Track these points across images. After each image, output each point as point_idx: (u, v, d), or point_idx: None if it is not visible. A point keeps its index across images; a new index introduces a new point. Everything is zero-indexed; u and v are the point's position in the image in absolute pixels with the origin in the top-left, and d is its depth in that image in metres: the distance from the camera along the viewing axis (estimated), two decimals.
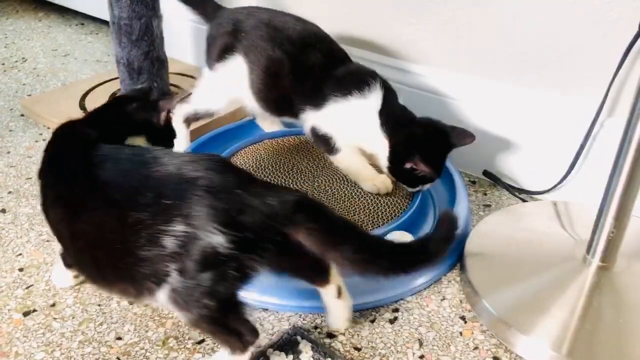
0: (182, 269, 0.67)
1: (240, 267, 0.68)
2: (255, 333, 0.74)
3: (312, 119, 1.08)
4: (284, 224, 0.69)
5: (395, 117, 1.04)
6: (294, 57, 1.06)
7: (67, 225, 0.75)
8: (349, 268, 0.73)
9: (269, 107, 1.13)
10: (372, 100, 1.04)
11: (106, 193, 0.71)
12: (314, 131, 1.09)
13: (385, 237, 0.95)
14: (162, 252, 0.67)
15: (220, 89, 1.16)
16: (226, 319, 0.72)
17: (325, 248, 0.71)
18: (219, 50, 1.12)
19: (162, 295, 0.70)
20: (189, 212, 0.66)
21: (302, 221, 0.69)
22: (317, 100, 1.06)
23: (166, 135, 0.94)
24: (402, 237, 0.97)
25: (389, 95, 1.06)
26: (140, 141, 0.90)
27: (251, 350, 0.75)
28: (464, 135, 1.04)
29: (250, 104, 1.15)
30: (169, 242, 0.66)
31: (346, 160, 1.10)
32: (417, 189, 1.06)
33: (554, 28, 1.07)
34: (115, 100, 0.92)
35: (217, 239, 0.65)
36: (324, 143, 1.09)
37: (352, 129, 1.06)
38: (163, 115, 0.92)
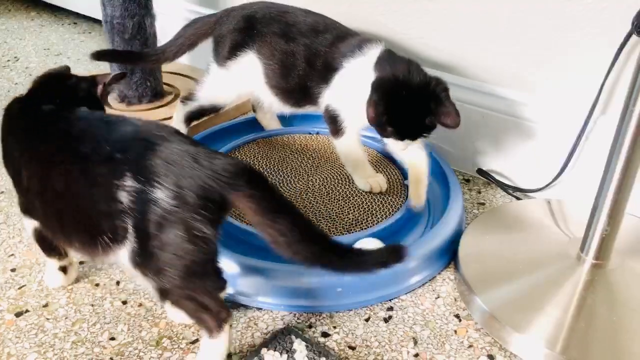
0: (136, 226, 0.69)
1: (189, 229, 0.69)
2: (227, 311, 0.75)
3: (326, 98, 1.07)
4: (224, 187, 0.70)
5: (388, 65, 1.00)
6: (307, 46, 1.07)
7: (38, 181, 0.79)
8: (281, 244, 0.73)
9: (289, 99, 1.13)
10: (368, 57, 1.02)
11: (73, 148, 0.75)
12: (326, 110, 1.08)
13: (354, 245, 0.94)
14: (118, 207, 0.69)
15: (229, 85, 1.16)
16: (191, 291, 0.73)
17: (263, 217, 0.72)
18: (229, 47, 1.12)
19: (123, 256, 0.72)
20: (137, 167, 0.69)
21: (243, 187, 0.71)
22: (328, 76, 1.05)
23: (102, 107, 0.96)
24: (369, 245, 0.94)
25: (389, 53, 1.03)
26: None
27: (227, 330, 0.75)
28: (447, 114, 0.95)
29: (267, 99, 1.15)
30: (123, 197, 0.69)
31: (348, 146, 1.09)
32: (403, 143, 1.00)
33: (547, 26, 1.07)
34: (50, 78, 0.94)
35: (160, 194, 0.68)
36: (332, 122, 1.07)
37: (354, 93, 1.02)
38: (100, 88, 0.95)
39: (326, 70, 1.05)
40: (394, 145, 1.02)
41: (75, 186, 0.73)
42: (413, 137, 0.98)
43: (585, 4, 1.01)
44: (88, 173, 0.72)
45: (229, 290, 0.91)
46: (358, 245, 0.94)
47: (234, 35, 1.12)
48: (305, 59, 1.07)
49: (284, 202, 0.74)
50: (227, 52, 1.13)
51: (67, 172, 0.74)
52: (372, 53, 1.02)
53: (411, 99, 0.96)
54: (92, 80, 0.95)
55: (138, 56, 1.31)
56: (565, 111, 1.09)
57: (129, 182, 0.69)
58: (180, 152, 0.70)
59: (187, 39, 1.19)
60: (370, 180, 1.08)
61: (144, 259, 0.71)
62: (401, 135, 0.98)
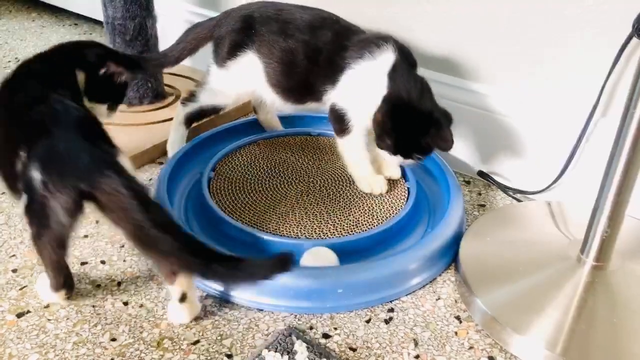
0: (24, 189, 0.79)
1: (48, 209, 0.77)
2: (69, 286, 0.89)
3: (332, 97, 1.07)
4: (90, 181, 0.75)
5: (403, 81, 1.01)
6: (306, 43, 1.07)
7: None
8: (136, 240, 0.77)
9: (290, 97, 1.13)
10: (381, 62, 1.02)
11: (7, 111, 0.87)
12: (332, 109, 1.08)
13: (306, 254, 0.94)
14: (16, 169, 0.80)
15: (230, 85, 1.17)
16: (44, 252, 0.83)
17: (123, 213, 0.76)
18: (228, 47, 1.12)
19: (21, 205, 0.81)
20: (30, 144, 0.79)
21: (106, 182, 0.75)
22: (334, 75, 1.05)
23: (101, 86, 1.02)
24: (319, 256, 0.94)
25: (403, 60, 1.03)
26: (81, 76, 0.98)
27: (63, 295, 0.89)
28: (441, 139, 1.00)
29: (269, 97, 1.15)
30: (18, 163, 0.79)
31: (352, 146, 1.09)
32: (407, 161, 1.05)
33: (547, 28, 1.07)
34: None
35: (35, 174, 0.77)
36: (338, 120, 1.07)
37: (364, 96, 1.04)
38: (103, 69, 1.01)
39: (331, 69, 1.06)
40: (384, 154, 1.05)
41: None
42: (405, 156, 1.03)
43: (585, 6, 1.02)
44: (8, 132, 0.85)
45: (232, 291, 0.91)
46: (307, 254, 0.94)
47: (232, 36, 1.12)
48: (305, 55, 1.07)
49: (148, 200, 0.77)
50: (226, 53, 1.13)
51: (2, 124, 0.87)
52: (384, 58, 1.02)
53: (416, 123, 1.00)
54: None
55: (141, 61, 1.30)
56: (566, 113, 1.10)
57: (22, 153, 0.79)
58: (67, 142, 0.79)
59: (189, 44, 1.19)
60: (371, 180, 1.08)
61: (27, 213, 0.80)
62: (395, 151, 1.02)
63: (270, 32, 1.09)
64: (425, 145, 1.02)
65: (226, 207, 1.06)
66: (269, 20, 1.10)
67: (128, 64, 1.05)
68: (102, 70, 1.01)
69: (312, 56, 1.07)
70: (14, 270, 0.97)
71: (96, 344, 0.84)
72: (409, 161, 1.04)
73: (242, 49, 1.11)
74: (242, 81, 1.15)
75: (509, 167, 1.20)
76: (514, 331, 0.84)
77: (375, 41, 1.03)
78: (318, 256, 0.94)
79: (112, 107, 1.05)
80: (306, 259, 0.93)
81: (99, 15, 1.92)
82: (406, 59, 1.04)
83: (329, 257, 0.93)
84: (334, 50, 1.06)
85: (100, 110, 1.03)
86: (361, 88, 1.04)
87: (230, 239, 0.99)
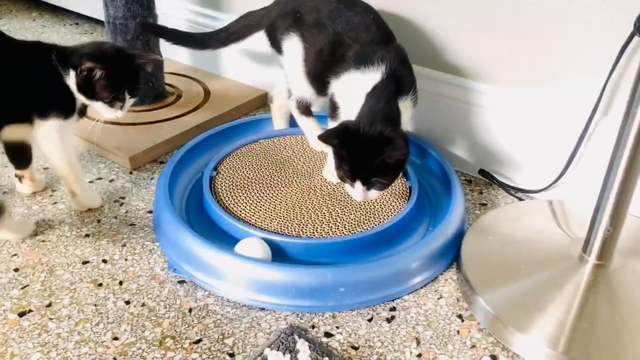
0: None
1: None
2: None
3: (332, 87, 1.07)
4: None
5: (369, 109, 0.98)
6: (338, 36, 1.06)
7: None
8: None
9: (315, 86, 1.12)
10: (367, 80, 1.00)
11: None
12: (331, 98, 1.08)
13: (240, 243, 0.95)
14: None
15: (290, 69, 1.15)
16: None
17: None
18: (279, 31, 1.13)
19: None
20: None
21: None
22: (340, 70, 1.04)
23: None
24: (252, 245, 0.95)
25: (387, 85, 0.99)
26: None
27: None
28: (395, 149, 0.94)
29: (303, 85, 1.14)
30: None
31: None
32: (371, 192, 0.98)
33: (549, 27, 1.07)
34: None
35: None
36: (332, 109, 1.08)
37: (350, 103, 1.02)
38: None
39: (340, 64, 1.05)
40: (348, 189, 0.99)
41: None
42: (365, 182, 0.96)
43: (587, 5, 1.01)
44: None
45: (235, 290, 0.91)
46: (242, 244, 0.95)
47: (281, 19, 1.13)
48: (331, 47, 1.06)
49: None
50: (278, 36, 1.14)
51: None
52: (370, 77, 0.99)
53: (368, 147, 0.94)
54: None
55: (183, 37, 1.31)
56: (567, 112, 1.09)
57: None
58: None
59: (238, 29, 1.20)
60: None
61: None
62: (353, 178, 0.96)
63: (311, 19, 1.09)
64: (383, 164, 0.95)
65: (227, 206, 1.06)
66: (314, 8, 1.10)
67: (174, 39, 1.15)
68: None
69: (335, 50, 1.06)
70: (16, 270, 0.97)
71: (98, 342, 0.84)
72: (373, 192, 0.97)
73: (289, 32, 1.11)
74: (292, 63, 1.14)
75: (511, 166, 1.20)
76: (516, 330, 0.84)
77: (375, 55, 1.01)
78: (251, 246, 0.95)
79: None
80: (240, 248, 0.95)
81: (100, 15, 1.92)
82: (394, 82, 0.99)
83: (259, 250, 0.94)
84: (348, 49, 1.05)
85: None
86: (348, 95, 1.03)
87: (232, 238, 0.99)
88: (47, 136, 1.02)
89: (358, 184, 0.96)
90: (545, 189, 1.15)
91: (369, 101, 0.98)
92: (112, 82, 1.01)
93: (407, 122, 1.02)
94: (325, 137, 0.97)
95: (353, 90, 1.01)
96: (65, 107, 1.02)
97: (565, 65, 1.08)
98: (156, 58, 1.09)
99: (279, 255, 0.97)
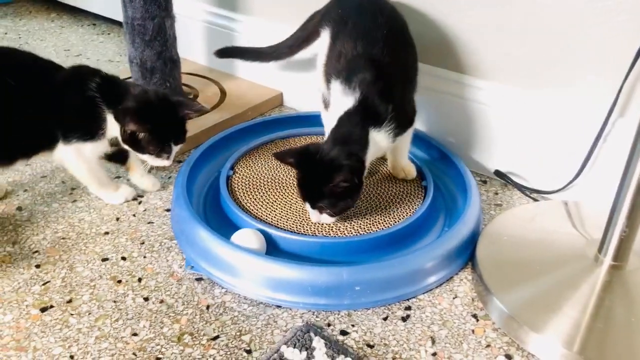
0: None
1: None
2: None
3: (331, 87, 1.06)
4: None
5: (340, 134, 0.98)
6: (350, 41, 1.05)
7: None
8: None
9: (326, 82, 1.11)
10: (343, 102, 0.99)
11: None
12: (323, 95, 1.12)
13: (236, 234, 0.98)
14: None
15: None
16: None
17: None
18: (320, 24, 1.15)
19: None
20: None
21: None
22: (335, 75, 1.03)
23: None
24: (248, 236, 0.97)
25: (357, 113, 0.98)
26: None
27: None
28: (340, 177, 0.94)
29: (319, 80, 1.14)
30: None
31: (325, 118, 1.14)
32: (323, 217, 1.01)
33: (565, 28, 1.07)
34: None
35: None
36: (325, 103, 1.12)
37: (333, 112, 1.02)
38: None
39: (337, 70, 1.04)
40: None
41: None
42: (312, 204, 0.99)
43: (604, 6, 1.01)
44: None
45: (251, 288, 0.93)
46: (238, 234, 0.98)
47: (325, 14, 1.16)
48: (339, 52, 1.07)
49: None
50: (319, 29, 1.15)
51: None
52: (345, 101, 0.99)
53: (317, 174, 0.96)
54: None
55: (257, 54, 1.34)
56: (584, 113, 1.09)
57: None
58: None
59: (303, 32, 1.21)
60: None
61: None
62: (303, 199, 1.00)
63: (341, 18, 1.09)
64: (331, 191, 0.96)
65: (244, 204, 1.07)
66: (348, 9, 1.11)
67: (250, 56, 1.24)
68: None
69: (341, 53, 1.06)
70: (37, 266, 0.98)
71: (118, 338, 0.86)
72: (325, 217, 1.00)
73: (324, 26, 1.12)
74: (319, 54, 1.15)
75: (526, 166, 1.20)
76: (531, 329, 0.84)
77: (355, 77, 0.99)
78: (245, 237, 0.97)
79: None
80: (236, 237, 0.97)
81: (117, 16, 1.95)
82: (366, 111, 0.98)
83: (253, 240, 0.96)
84: (356, 58, 1.04)
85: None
86: (334, 102, 1.03)
87: None
88: (72, 160, 1.06)
89: (308, 207, 0.99)
90: (560, 189, 1.15)
91: (338, 127, 0.98)
92: (158, 138, 1.04)
93: (376, 154, 1.01)
94: (280, 156, 0.98)
95: (336, 102, 1.01)
96: (91, 131, 1.04)
97: (582, 66, 1.08)
98: (202, 107, 1.10)
99: (294, 254, 0.98)
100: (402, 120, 1.02)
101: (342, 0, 1.15)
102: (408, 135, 1.08)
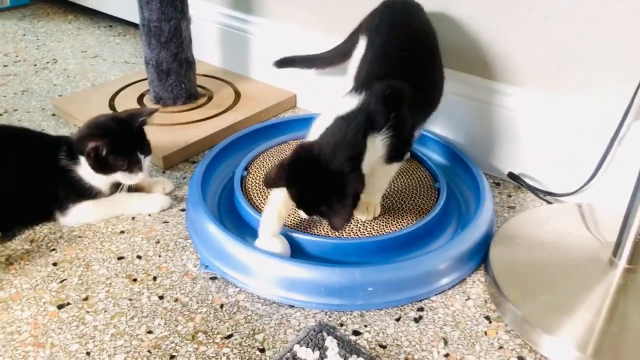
0: None
1: None
2: None
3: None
4: None
5: (328, 135, 0.92)
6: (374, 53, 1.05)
7: None
8: None
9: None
10: (345, 103, 0.95)
11: None
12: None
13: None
14: None
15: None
16: None
17: None
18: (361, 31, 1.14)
19: None
20: None
21: None
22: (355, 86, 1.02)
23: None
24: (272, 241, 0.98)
25: (341, 120, 0.93)
26: None
27: None
28: (334, 213, 0.89)
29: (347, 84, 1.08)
30: None
31: None
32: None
33: (581, 30, 1.07)
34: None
35: None
36: None
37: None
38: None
39: (361, 84, 1.02)
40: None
41: None
42: (307, 212, 0.93)
43: (620, 9, 1.01)
44: None
45: (265, 287, 0.93)
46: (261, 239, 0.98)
47: (365, 22, 1.15)
48: (361, 62, 1.08)
49: None
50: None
51: None
52: (348, 102, 0.95)
53: (317, 180, 0.89)
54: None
55: (312, 61, 1.35)
56: (598, 115, 1.09)
57: None
58: None
59: (353, 37, 1.20)
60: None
61: None
62: (297, 205, 0.93)
63: (374, 30, 1.09)
64: (321, 210, 0.90)
65: (258, 205, 1.08)
66: (383, 22, 1.10)
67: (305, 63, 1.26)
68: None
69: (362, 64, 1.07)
70: (54, 264, 1.00)
71: (133, 335, 0.87)
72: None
73: (363, 34, 1.12)
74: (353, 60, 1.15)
75: (539, 169, 1.20)
76: (544, 332, 0.84)
77: (365, 87, 0.96)
78: (270, 243, 0.97)
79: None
80: (259, 243, 0.98)
81: (132, 17, 1.97)
82: (365, 114, 0.93)
83: (278, 246, 0.97)
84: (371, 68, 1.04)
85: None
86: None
87: None
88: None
89: (303, 213, 0.93)
90: (574, 192, 1.14)
91: (331, 128, 0.92)
92: (122, 150, 1.05)
93: (369, 165, 0.93)
94: (271, 182, 0.92)
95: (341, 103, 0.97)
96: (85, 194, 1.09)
97: (597, 67, 1.08)
98: (151, 109, 1.12)
99: (308, 254, 0.99)
100: (397, 134, 0.95)
101: (381, 10, 1.13)
102: (394, 168, 1.03)
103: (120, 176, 1.07)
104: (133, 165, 1.06)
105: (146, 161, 1.08)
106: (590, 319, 0.86)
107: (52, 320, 0.89)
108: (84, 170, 1.06)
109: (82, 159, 1.05)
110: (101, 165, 1.05)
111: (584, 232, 1.04)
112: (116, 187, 1.11)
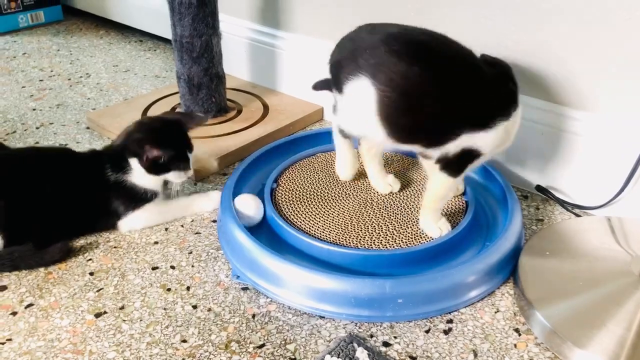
0: None
1: None
2: None
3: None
4: None
5: None
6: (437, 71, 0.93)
7: None
8: None
9: (399, 134, 0.98)
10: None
11: None
12: None
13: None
14: None
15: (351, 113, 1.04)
16: None
17: None
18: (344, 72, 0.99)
19: None
20: None
21: None
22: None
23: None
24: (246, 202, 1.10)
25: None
26: None
27: None
28: None
29: (378, 134, 0.98)
30: None
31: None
32: None
33: (606, 42, 1.07)
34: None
35: None
36: None
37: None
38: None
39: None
40: None
41: None
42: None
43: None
44: None
45: (295, 298, 0.95)
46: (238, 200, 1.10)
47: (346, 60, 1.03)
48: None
49: None
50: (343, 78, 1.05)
51: None
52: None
53: None
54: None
55: None
56: (627, 128, 1.09)
57: None
58: None
59: None
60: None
61: None
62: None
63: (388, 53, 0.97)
64: None
65: (288, 217, 1.10)
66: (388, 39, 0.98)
67: None
68: None
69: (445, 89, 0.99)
70: (91, 274, 1.03)
71: (168, 344, 0.89)
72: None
73: (355, 74, 1.03)
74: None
75: (568, 182, 1.20)
76: (575, 345, 0.84)
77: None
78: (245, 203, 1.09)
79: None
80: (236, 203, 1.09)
81: (162, 33, 2.02)
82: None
83: (252, 206, 1.09)
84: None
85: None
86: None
87: (292, 248, 1.04)
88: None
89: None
90: (603, 205, 1.14)
91: None
92: (176, 153, 1.10)
93: None
94: None
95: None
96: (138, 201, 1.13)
97: (625, 80, 1.08)
98: (202, 118, 1.20)
99: (337, 265, 1.00)
100: None
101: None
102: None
103: (171, 175, 1.12)
104: (184, 165, 1.11)
105: (191, 158, 1.13)
106: (621, 332, 0.86)
107: (90, 329, 0.92)
108: (136, 175, 1.10)
109: (133, 163, 1.09)
110: (156, 168, 1.09)
111: (614, 246, 1.04)
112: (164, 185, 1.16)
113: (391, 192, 1.17)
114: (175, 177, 1.12)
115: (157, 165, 1.09)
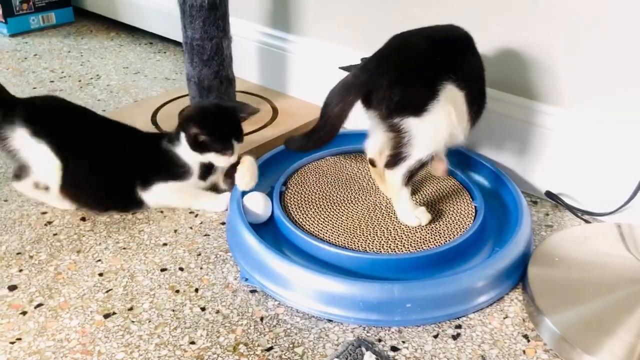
0: None
1: None
2: None
3: None
4: None
5: None
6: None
7: None
8: None
9: None
10: None
11: None
12: None
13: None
14: None
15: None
16: None
17: None
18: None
19: None
20: None
21: None
22: None
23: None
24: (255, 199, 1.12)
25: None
26: None
27: None
28: None
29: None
30: None
31: None
32: None
33: (618, 46, 1.07)
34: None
35: None
36: None
37: None
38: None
39: None
40: None
41: None
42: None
43: None
44: None
45: (304, 301, 0.95)
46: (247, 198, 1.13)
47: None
48: None
49: None
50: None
51: None
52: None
53: None
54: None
55: None
56: (637, 134, 1.09)
57: None
58: None
59: None
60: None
61: None
62: None
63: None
64: None
65: (296, 219, 1.10)
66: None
67: None
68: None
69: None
70: (100, 274, 1.03)
71: (176, 346, 0.89)
72: None
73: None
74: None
75: (577, 188, 1.19)
76: (585, 352, 0.84)
77: None
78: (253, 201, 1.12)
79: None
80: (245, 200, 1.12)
81: (172, 35, 2.03)
82: None
83: (261, 204, 1.12)
84: None
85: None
86: None
87: (301, 250, 1.04)
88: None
89: None
90: (613, 212, 1.14)
91: None
92: (219, 136, 1.15)
93: None
94: None
95: None
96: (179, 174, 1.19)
97: (636, 85, 1.07)
98: (254, 109, 1.23)
99: (345, 269, 1.00)
100: None
101: None
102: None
103: (212, 157, 1.16)
104: (226, 149, 1.15)
105: (237, 147, 1.18)
106: (632, 340, 0.85)
107: (98, 329, 0.92)
108: (182, 149, 1.17)
109: (183, 138, 1.16)
110: (199, 145, 1.15)
111: (624, 252, 1.04)
112: (205, 174, 1.21)
113: None
114: (215, 159, 1.17)
115: (198, 143, 1.14)
